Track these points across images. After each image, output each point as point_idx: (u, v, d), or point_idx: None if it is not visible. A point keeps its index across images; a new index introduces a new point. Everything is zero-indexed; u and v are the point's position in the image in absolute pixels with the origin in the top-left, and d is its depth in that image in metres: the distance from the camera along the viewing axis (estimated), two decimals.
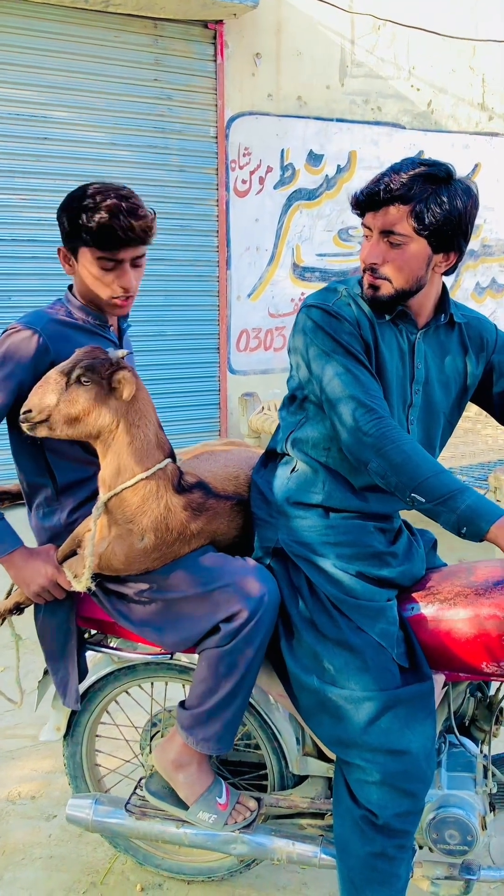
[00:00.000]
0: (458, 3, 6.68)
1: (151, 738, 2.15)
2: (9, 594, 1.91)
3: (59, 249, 1.85)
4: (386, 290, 1.69)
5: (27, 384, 1.70)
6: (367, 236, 1.71)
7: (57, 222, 1.83)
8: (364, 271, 1.72)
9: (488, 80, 6.98)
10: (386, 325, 1.76)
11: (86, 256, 1.79)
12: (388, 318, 1.74)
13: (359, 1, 6.25)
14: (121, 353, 1.66)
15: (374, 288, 1.70)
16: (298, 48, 6.12)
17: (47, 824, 2.46)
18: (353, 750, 1.67)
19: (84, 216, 1.73)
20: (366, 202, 1.66)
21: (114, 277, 1.80)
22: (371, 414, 1.63)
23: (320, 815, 2.00)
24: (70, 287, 1.92)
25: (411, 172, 1.62)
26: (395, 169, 1.65)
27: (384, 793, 1.64)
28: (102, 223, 1.72)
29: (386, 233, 1.65)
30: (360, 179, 6.52)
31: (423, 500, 1.55)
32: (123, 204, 1.73)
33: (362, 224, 1.72)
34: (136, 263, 1.82)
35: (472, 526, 1.52)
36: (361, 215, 1.72)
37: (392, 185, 1.61)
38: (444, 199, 1.61)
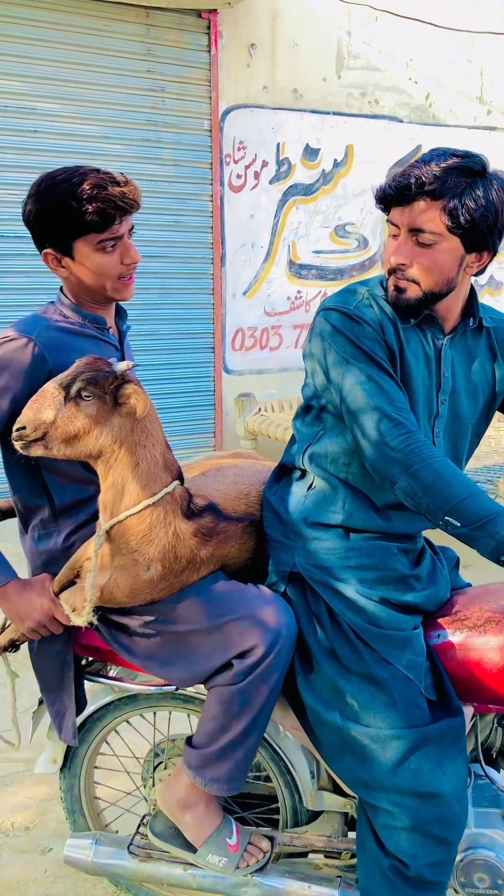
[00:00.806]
0: None
1: (154, 769, 2.02)
2: (2, 630, 1.76)
3: (45, 254, 1.69)
4: (413, 292, 1.55)
5: (21, 398, 1.54)
6: (393, 235, 1.56)
7: (31, 229, 1.68)
8: (389, 272, 1.58)
9: (487, 74, 6.85)
10: (411, 330, 1.62)
11: (85, 247, 1.64)
12: (413, 322, 1.61)
13: None
14: (125, 364, 1.50)
15: (400, 290, 1.56)
16: (294, 39, 5.98)
17: (43, 858, 2.32)
18: (381, 793, 1.54)
19: (73, 204, 1.59)
20: (395, 196, 1.51)
21: (118, 257, 1.68)
22: (398, 428, 1.48)
23: (337, 854, 1.87)
24: (61, 288, 1.77)
25: (444, 164, 1.47)
26: (426, 160, 1.50)
27: (415, 840, 1.51)
28: (98, 199, 1.59)
29: (415, 231, 1.50)
30: (356, 174, 6.39)
31: (458, 524, 1.41)
32: (101, 175, 1.62)
33: (388, 221, 1.57)
34: (130, 235, 1.71)
35: None
36: (386, 210, 1.57)
37: (424, 178, 1.46)
38: (480, 194, 1.46)
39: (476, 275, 1.61)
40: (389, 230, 1.58)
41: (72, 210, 1.59)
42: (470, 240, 1.51)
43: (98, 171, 1.64)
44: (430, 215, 1.48)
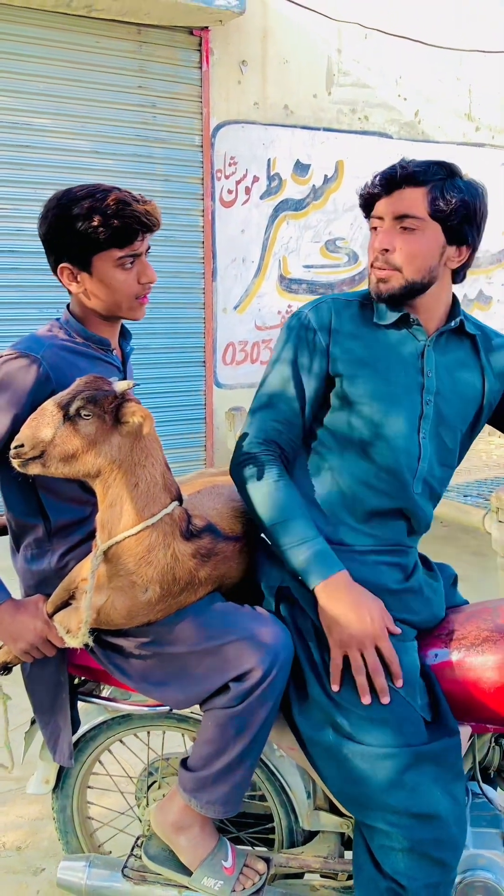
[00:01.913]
0: (445, 13, 6.62)
1: (148, 788, 1.99)
2: None
3: (61, 269, 1.68)
4: (396, 281, 1.59)
5: (23, 417, 1.52)
6: (375, 228, 1.63)
7: (46, 242, 1.67)
8: (372, 266, 1.63)
9: (475, 91, 6.92)
10: (391, 332, 1.66)
11: (104, 263, 1.64)
12: (389, 321, 1.64)
13: (346, 9, 6.17)
14: (125, 384, 1.49)
15: (383, 281, 1.60)
16: (285, 56, 6.03)
17: (35, 879, 2.29)
18: (376, 812, 1.52)
19: (96, 219, 1.58)
20: (381, 187, 1.59)
21: (135, 275, 1.69)
22: (255, 440, 1.65)
23: (333, 875, 1.85)
24: (67, 306, 1.76)
25: (423, 160, 1.60)
26: (404, 159, 1.62)
27: (412, 861, 1.49)
28: (124, 215, 1.59)
29: (400, 217, 1.57)
30: (347, 190, 6.43)
31: (273, 544, 1.60)
32: (123, 193, 1.63)
33: (371, 217, 1.64)
34: (146, 254, 1.72)
35: (304, 578, 1.57)
36: (367, 213, 1.65)
37: (408, 167, 1.57)
38: (459, 186, 1.57)
39: (456, 278, 1.67)
40: (371, 225, 1.64)
41: (95, 224, 1.59)
42: (450, 229, 1.58)
43: (119, 189, 1.64)
44: (413, 201, 1.56)
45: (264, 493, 1.60)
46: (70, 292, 1.73)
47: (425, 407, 1.66)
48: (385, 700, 1.53)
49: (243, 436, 1.68)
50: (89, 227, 1.59)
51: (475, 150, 7.02)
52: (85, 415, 1.45)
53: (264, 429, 1.66)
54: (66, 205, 1.61)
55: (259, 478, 1.61)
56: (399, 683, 1.55)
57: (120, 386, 1.49)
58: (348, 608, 1.53)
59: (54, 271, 1.71)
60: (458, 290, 7.45)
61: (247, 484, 1.63)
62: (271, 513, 1.59)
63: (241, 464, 1.65)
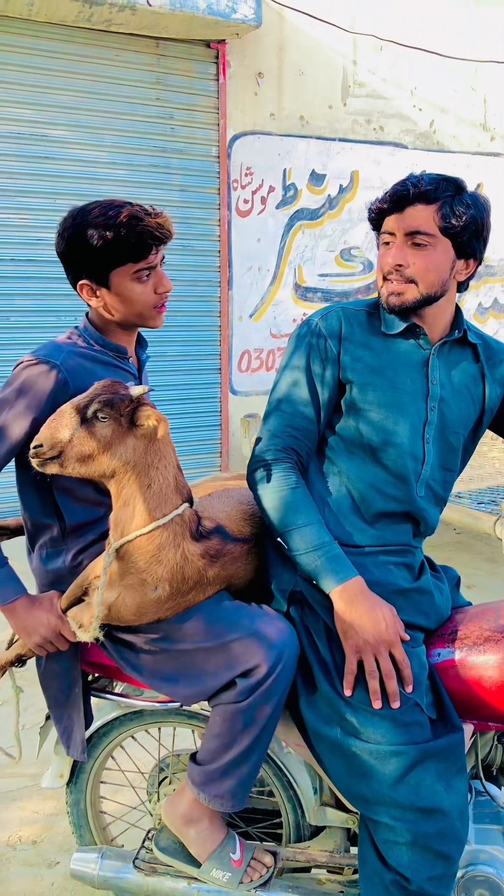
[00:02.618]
0: (460, 25, 6.67)
1: (159, 784, 2.04)
2: (10, 644, 1.79)
3: (80, 285, 1.73)
4: (412, 294, 1.64)
5: (42, 422, 1.58)
6: (386, 242, 1.67)
7: (64, 260, 1.73)
8: (384, 279, 1.67)
9: (490, 101, 6.96)
10: (396, 340, 1.71)
11: (121, 277, 1.69)
12: (396, 331, 1.69)
13: (361, 21, 6.23)
14: (141, 388, 1.55)
15: (398, 294, 1.64)
16: (301, 68, 6.10)
17: (50, 872, 2.34)
18: (381, 808, 1.56)
19: (111, 234, 1.64)
20: (393, 203, 1.63)
21: (152, 286, 1.74)
22: (273, 443, 1.68)
23: (339, 869, 1.89)
24: (86, 315, 1.82)
25: (433, 176, 1.63)
26: (414, 176, 1.65)
27: (416, 855, 1.53)
28: (137, 229, 1.65)
29: (411, 234, 1.62)
30: (362, 199, 6.49)
31: (286, 548, 1.64)
32: (136, 207, 1.68)
33: (381, 232, 1.68)
34: (161, 264, 1.77)
35: (319, 582, 1.60)
36: (377, 225, 1.69)
37: (420, 185, 1.60)
38: (468, 202, 1.61)
39: (461, 289, 1.72)
40: (382, 240, 1.68)
41: (110, 240, 1.64)
42: (460, 244, 1.63)
43: (131, 203, 1.69)
44: (425, 218, 1.60)
45: (279, 498, 1.64)
46: (90, 307, 1.79)
47: (430, 413, 1.71)
48: (395, 705, 1.57)
49: (258, 441, 1.72)
50: (104, 243, 1.64)
51: (490, 159, 7.05)
52: (102, 417, 1.50)
53: (280, 435, 1.70)
54: (80, 223, 1.67)
55: (274, 483, 1.65)
56: (410, 689, 1.59)
57: (136, 390, 1.54)
58: (364, 614, 1.57)
59: (74, 287, 1.76)
60: (472, 298, 7.45)
61: (262, 489, 1.67)
62: (285, 518, 1.63)
63: (256, 469, 1.69)
